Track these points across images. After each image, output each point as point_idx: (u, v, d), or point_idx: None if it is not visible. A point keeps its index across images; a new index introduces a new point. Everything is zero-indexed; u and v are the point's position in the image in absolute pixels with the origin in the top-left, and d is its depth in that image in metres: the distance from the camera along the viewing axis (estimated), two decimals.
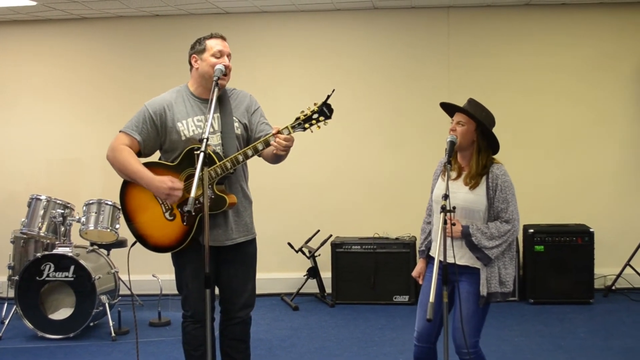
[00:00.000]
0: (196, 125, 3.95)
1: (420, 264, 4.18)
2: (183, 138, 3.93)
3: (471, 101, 3.97)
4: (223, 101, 4.03)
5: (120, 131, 4.01)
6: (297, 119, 3.73)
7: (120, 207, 6.21)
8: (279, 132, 3.72)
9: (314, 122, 3.71)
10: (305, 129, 3.74)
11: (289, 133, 3.72)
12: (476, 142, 3.89)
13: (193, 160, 3.62)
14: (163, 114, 3.96)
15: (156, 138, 4.00)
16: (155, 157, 4.13)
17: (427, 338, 3.94)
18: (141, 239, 4.04)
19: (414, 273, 4.20)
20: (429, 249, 4.12)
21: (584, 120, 7.66)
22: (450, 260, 3.64)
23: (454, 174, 3.98)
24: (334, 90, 3.75)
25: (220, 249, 4.00)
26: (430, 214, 4.14)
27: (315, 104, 3.73)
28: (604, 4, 7.50)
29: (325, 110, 3.71)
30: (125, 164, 3.92)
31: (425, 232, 4.17)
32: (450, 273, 3.67)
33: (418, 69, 7.77)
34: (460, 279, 3.86)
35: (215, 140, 3.94)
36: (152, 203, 3.94)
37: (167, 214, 3.94)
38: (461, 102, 4.01)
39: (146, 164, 3.94)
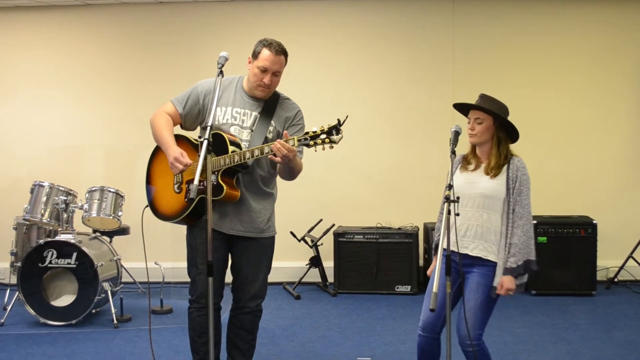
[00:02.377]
0: (233, 116, 4.05)
1: (435, 261, 4.12)
2: (216, 122, 4.00)
3: (483, 96, 3.97)
4: (269, 103, 4.11)
5: (170, 100, 4.18)
6: (306, 133, 3.75)
7: (123, 195, 6.34)
8: (287, 139, 3.74)
9: (319, 141, 3.71)
10: (310, 146, 3.75)
11: (294, 144, 3.74)
12: (495, 135, 3.89)
13: (212, 144, 3.64)
14: (209, 96, 4.07)
15: (197, 116, 4.14)
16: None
17: (432, 328, 3.93)
18: (151, 202, 4.21)
19: (429, 271, 4.14)
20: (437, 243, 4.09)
21: (588, 113, 7.65)
22: (462, 251, 3.65)
23: (471, 167, 3.98)
24: (347, 116, 3.73)
25: (234, 237, 4.06)
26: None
27: (327, 125, 3.72)
28: None
29: (333, 133, 3.70)
30: (157, 127, 4.08)
31: (439, 228, 4.11)
32: (458, 265, 3.68)
33: (422, 60, 7.75)
34: (471, 270, 3.86)
35: (245, 136, 4.02)
36: (169, 172, 4.06)
37: (176, 186, 4.07)
38: (466, 94, 4.02)
39: (176, 136, 4.09)
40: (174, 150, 3.92)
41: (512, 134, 3.96)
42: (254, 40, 4.15)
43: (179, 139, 4.08)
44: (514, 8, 7.64)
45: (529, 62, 7.64)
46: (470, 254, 3.85)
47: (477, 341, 3.80)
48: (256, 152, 3.82)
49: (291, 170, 4.04)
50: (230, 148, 3.85)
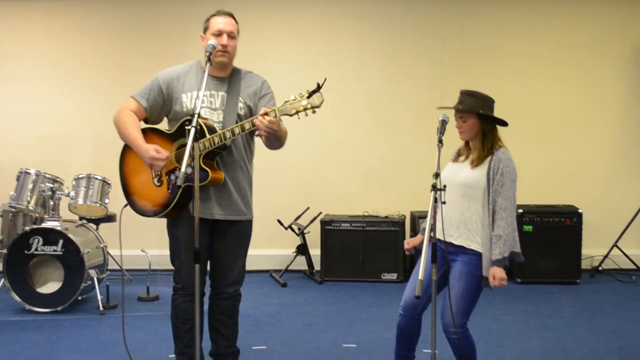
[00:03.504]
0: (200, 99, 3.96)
1: (416, 237, 4.18)
2: (184, 109, 3.97)
3: (464, 93, 3.97)
4: (233, 81, 4.06)
5: (131, 96, 4.11)
6: (286, 102, 3.72)
7: (110, 182, 6.32)
8: (266, 113, 3.71)
9: (301, 108, 3.69)
10: (292, 114, 3.72)
11: (275, 116, 3.71)
12: (481, 129, 3.92)
13: (185, 131, 3.62)
14: (172, 84, 4.03)
15: (162, 107, 4.08)
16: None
17: (413, 309, 3.97)
18: (130, 201, 4.13)
19: (405, 243, 4.19)
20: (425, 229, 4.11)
21: (576, 104, 7.70)
22: (447, 239, 3.69)
23: (462, 158, 4.03)
24: (325, 79, 3.71)
25: (216, 223, 4.03)
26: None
27: (307, 90, 3.70)
28: None
29: (314, 99, 3.68)
30: (123, 127, 4.02)
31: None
32: (441, 252, 3.71)
33: (411, 50, 7.77)
34: (455, 258, 3.89)
35: (216, 117, 3.98)
36: (144, 167, 3.99)
37: (155, 180, 4.01)
38: (455, 84, 4.05)
39: (144, 130, 4.04)
40: (147, 149, 3.87)
41: (499, 122, 3.97)
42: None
43: (149, 132, 4.03)
44: None
45: (518, 52, 7.67)
46: (454, 242, 3.88)
47: (461, 329, 3.82)
48: (237, 130, 3.79)
49: (278, 139, 3.96)
50: (208, 132, 3.81)
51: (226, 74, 4.07)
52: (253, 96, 4.10)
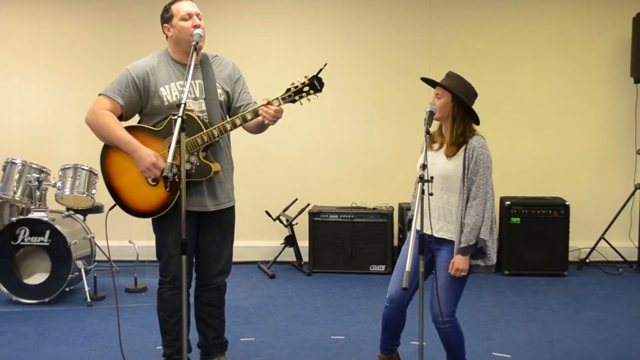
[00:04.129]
0: (179, 90, 3.91)
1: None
2: (166, 103, 3.89)
3: (450, 74, 4.00)
4: (205, 67, 4.00)
5: (100, 94, 3.94)
6: (288, 90, 3.72)
7: (97, 172, 6.28)
8: (269, 103, 3.70)
9: (304, 94, 3.70)
10: (295, 101, 3.75)
11: (279, 104, 3.71)
12: (451, 112, 3.91)
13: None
14: (146, 78, 3.90)
15: (138, 102, 3.94)
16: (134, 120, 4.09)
17: (400, 302, 3.99)
18: (122, 203, 3.99)
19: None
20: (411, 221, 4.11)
21: (563, 95, 7.70)
22: (427, 230, 3.68)
23: (436, 146, 4.01)
24: (325, 64, 3.74)
25: (202, 215, 4.01)
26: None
27: (306, 77, 3.71)
28: None
29: (316, 84, 3.70)
30: (107, 129, 3.87)
31: (413, 204, 4.15)
32: (428, 242, 3.73)
33: (398, 40, 7.75)
34: (439, 248, 3.90)
35: (198, 107, 3.92)
36: (133, 167, 3.88)
37: (149, 179, 3.89)
38: (441, 75, 4.02)
39: (129, 128, 3.91)
40: (149, 155, 3.79)
41: (472, 115, 3.96)
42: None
43: (134, 131, 3.90)
44: None
45: (505, 43, 7.67)
46: (435, 235, 3.91)
47: (449, 317, 3.84)
48: (237, 122, 3.78)
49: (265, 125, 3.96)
50: (203, 126, 3.79)
51: (196, 61, 3.92)
52: (228, 80, 4.07)
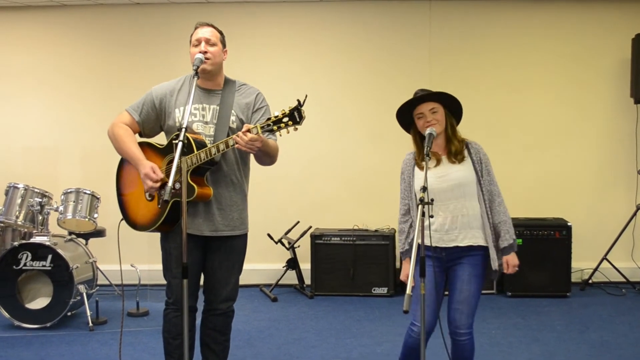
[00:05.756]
0: (192, 113, 3.99)
1: (406, 265, 4.10)
2: (177, 124, 3.98)
3: (420, 90, 4.05)
4: (226, 94, 4.07)
5: (125, 109, 4.14)
6: (268, 119, 3.72)
7: (99, 197, 6.30)
8: (248, 130, 3.71)
9: (282, 125, 3.68)
10: (273, 131, 3.72)
11: (257, 132, 3.71)
12: (448, 122, 3.95)
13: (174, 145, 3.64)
14: (164, 99, 4.05)
15: (156, 121, 4.11)
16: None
17: (428, 331, 3.88)
18: (125, 214, 4.16)
19: (402, 277, 4.10)
20: (412, 246, 4.09)
21: (563, 116, 7.71)
22: (450, 244, 3.87)
23: (432, 164, 3.98)
24: (306, 96, 3.69)
25: (209, 239, 4.02)
26: (408, 212, 4.08)
27: (289, 107, 3.70)
28: None
29: (295, 116, 3.67)
30: (119, 140, 4.05)
31: (404, 232, 4.09)
32: (440, 262, 3.83)
33: (399, 61, 7.78)
34: (459, 262, 3.90)
35: (208, 131, 3.98)
36: (138, 181, 4.01)
37: (147, 194, 4.00)
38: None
39: (139, 143, 4.07)
40: (144, 165, 3.90)
41: (457, 117, 4.02)
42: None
43: (143, 146, 4.06)
44: (491, 10, 7.68)
45: (505, 63, 7.69)
46: (460, 244, 3.88)
47: (471, 329, 3.87)
48: (222, 147, 3.78)
49: (267, 155, 3.97)
50: (196, 148, 3.81)
51: (218, 86, 4.07)
52: (246, 109, 4.09)
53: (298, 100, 3.64)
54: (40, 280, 6.09)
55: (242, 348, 5.51)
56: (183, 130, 3.48)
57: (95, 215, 6.36)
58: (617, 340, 5.69)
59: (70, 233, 6.60)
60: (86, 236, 6.74)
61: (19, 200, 6.26)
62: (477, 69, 7.69)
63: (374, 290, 7.20)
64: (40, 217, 6.16)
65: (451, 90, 4.07)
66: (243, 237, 4.20)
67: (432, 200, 3.54)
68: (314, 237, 7.34)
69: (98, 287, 6.55)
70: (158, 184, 3.86)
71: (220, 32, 4.10)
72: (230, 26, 7.67)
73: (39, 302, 6.08)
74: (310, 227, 7.46)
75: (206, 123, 4.00)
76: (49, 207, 6.21)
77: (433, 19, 7.71)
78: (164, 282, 4.12)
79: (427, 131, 3.82)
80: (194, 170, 3.83)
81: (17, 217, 6.26)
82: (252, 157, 4.09)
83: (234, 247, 4.13)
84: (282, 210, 7.75)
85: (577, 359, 5.21)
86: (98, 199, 6.38)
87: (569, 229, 7.08)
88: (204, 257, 4.08)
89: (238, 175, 4.11)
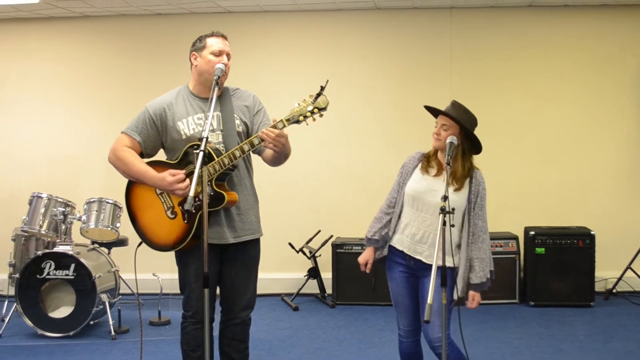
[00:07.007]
0: (196, 123, 3.96)
1: (368, 252, 4.20)
2: (184, 137, 3.94)
3: (454, 104, 4.00)
4: (224, 100, 4.04)
5: (122, 132, 4.05)
6: (291, 110, 3.72)
7: (121, 206, 6.33)
8: (274, 126, 3.71)
9: (308, 114, 3.69)
10: (299, 121, 3.71)
11: (283, 126, 3.71)
12: (460, 145, 3.91)
13: (192, 156, 3.62)
14: (163, 114, 3.98)
15: (157, 138, 4.02)
16: (160, 156, 4.13)
17: (413, 333, 4.10)
18: (145, 238, 4.03)
19: (361, 259, 4.20)
20: (385, 241, 4.11)
21: (585, 123, 7.66)
22: (416, 256, 3.92)
23: (433, 171, 3.99)
24: (327, 81, 3.70)
25: (225, 248, 4.01)
26: (393, 205, 4.13)
27: (310, 96, 3.71)
28: (605, 6, 7.51)
29: (319, 102, 3.68)
30: (128, 164, 3.96)
31: (381, 221, 4.16)
32: (418, 269, 3.92)
33: (420, 70, 7.77)
34: (426, 274, 3.88)
35: (216, 139, 3.95)
36: (154, 202, 3.95)
37: (168, 212, 3.93)
38: (463, 104, 4.01)
39: (149, 163, 3.97)
40: (162, 177, 3.81)
41: (476, 145, 3.98)
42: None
43: (153, 165, 3.95)
44: (511, 18, 7.66)
45: (525, 72, 7.66)
46: (425, 261, 3.90)
47: (448, 340, 3.82)
48: (245, 148, 3.77)
49: (286, 152, 3.93)
50: (215, 155, 3.80)
51: (218, 94, 3.98)
52: (247, 112, 4.09)
53: (321, 87, 3.64)
54: (63, 289, 6.13)
55: (264, 357, 5.51)
56: (204, 139, 3.45)
57: (118, 225, 6.40)
58: None
59: (92, 242, 6.65)
60: (109, 245, 6.79)
61: (42, 210, 6.32)
62: (497, 77, 7.66)
63: None
64: (64, 227, 6.21)
65: (471, 97, 4.07)
66: (258, 243, 4.18)
67: (453, 209, 3.52)
68: (335, 246, 7.33)
69: (120, 296, 6.58)
70: (186, 183, 3.80)
71: None
72: (250, 35, 7.77)
73: (62, 311, 6.12)
74: (332, 236, 7.45)
75: (213, 130, 3.96)
76: (72, 217, 6.26)
77: (454, 28, 7.69)
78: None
79: (448, 140, 3.81)
80: (216, 178, 3.83)
81: (41, 227, 6.32)
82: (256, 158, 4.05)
83: (250, 254, 4.12)
84: (303, 219, 7.75)
85: None
86: (120, 208, 6.42)
87: (592, 237, 7.02)
88: (220, 268, 4.07)
89: (250, 178, 4.13)
